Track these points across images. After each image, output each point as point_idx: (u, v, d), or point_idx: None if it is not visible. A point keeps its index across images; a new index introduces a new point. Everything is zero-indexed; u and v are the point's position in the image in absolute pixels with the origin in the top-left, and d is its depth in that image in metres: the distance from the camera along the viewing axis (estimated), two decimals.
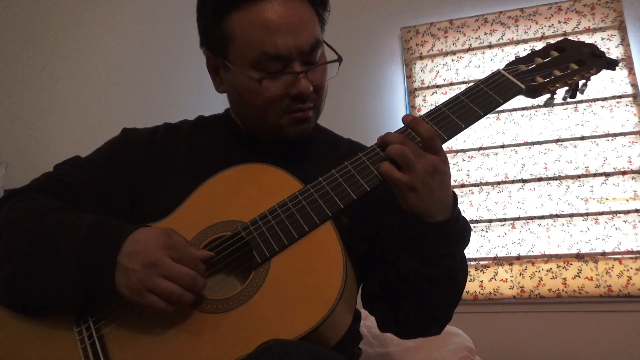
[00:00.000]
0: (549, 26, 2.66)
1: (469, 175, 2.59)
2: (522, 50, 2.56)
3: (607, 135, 2.44)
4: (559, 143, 2.50)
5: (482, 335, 2.09)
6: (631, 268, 2.28)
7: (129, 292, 0.65)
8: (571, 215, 2.40)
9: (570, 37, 0.94)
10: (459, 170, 2.61)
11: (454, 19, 2.79)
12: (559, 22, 2.65)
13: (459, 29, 2.79)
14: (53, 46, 1.66)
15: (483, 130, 2.62)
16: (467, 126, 0.77)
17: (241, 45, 0.80)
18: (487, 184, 2.55)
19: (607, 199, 2.39)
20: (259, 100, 0.82)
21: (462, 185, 2.58)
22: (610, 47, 2.52)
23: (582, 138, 2.48)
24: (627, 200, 2.36)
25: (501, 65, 0.87)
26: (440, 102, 0.80)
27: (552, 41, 0.91)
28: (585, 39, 2.51)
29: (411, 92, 2.78)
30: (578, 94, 0.87)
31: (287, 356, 0.55)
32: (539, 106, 2.55)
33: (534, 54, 0.88)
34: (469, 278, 2.42)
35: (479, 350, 1.60)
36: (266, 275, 0.69)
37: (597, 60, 0.85)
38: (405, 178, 0.70)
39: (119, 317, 0.69)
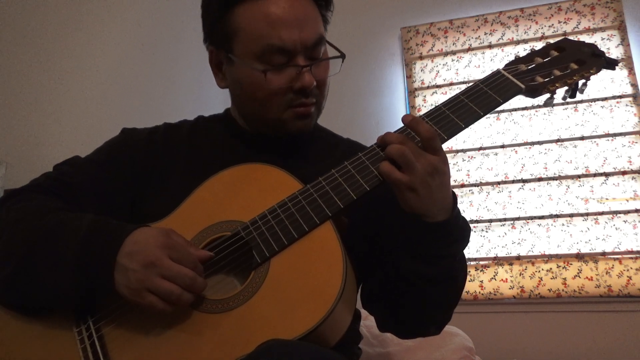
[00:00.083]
0: (549, 26, 2.66)
1: (469, 175, 2.59)
2: (522, 50, 2.56)
3: (607, 135, 2.44)
4: (559, 143, 2.50)
5: (482, 335, 2.09)
6: (631, 268, 2.28)
7: (128, 292, 0.65)
8: (571, 215, 2.40)
9: (570, 37, 0.94)
10: (459, 170, 2.61)
11: (454, 19, 2.79)
12: (559, 22, 2.65)
13: (459, 29, 2.79)
14: (53, 46, 1.66)
15: (483, 130, 2.62)
16: (467, 126, 0.77)
17: (246, 38, 0.81)
18: (487, 184, 2.55)
19: (607, 199, 2.39)
20: (262, 93, 0.82)
21: (462, 185, 2.58)
22: (610, 47, 2.52)
23: (582, 138, 2.48)
24: (627, 200, 2.36)
25: (501, 65, 0.87)
26: (440, 102, 0.80)
27: (552, 41, 0.91)
28: (585, 39, 2.51)
29: (411, 92, 2.78)
30: (578, 93, 0.87)
31: (287, 356, 0.55)
32: (539, 106, 2.55)
33: (533, 53, 0.88)
34: (469, 278, 2.42)
35: (479, 350, 1.60)
36: (266, 275, 0.69)
37: (597, 60, 0.85)
38: (405, 178, 0.70)
39: (119, 317, 0.69)
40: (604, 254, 2.32)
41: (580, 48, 0.87)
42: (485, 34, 2.74)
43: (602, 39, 2.55)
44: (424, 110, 2.68)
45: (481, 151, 2.60)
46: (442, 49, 2.79)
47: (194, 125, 0.99)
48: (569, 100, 0.88)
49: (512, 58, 0.88)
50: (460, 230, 0.75)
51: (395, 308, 0.82)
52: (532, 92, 0.83)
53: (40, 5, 1.63)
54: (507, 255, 2.44)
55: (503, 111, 2.60)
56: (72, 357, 0.67)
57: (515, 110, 2.59)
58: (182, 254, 0.66)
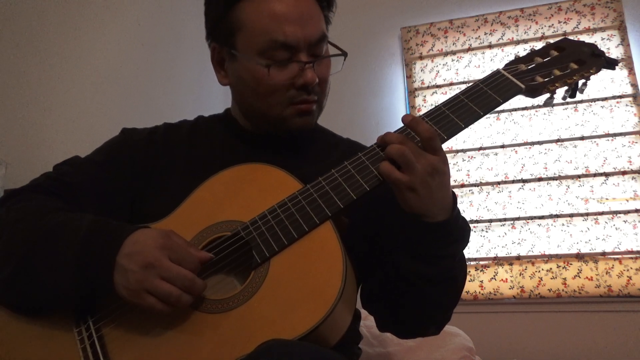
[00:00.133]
0: (549, 26, 2.66)
1: (469, 175, 2.59)
2: (522, 50, 2.56)
3: (607, 135, 2.44)
4: (559, 143, 2.50)
5: (482, 335, 2.09)
6: (631, 268, 2.28)
7: (127, 293, 0.65)
8: (571, 215, 2.40)
9: (570, 37, 0.94)
10: (459, 170, 2.61)
11: (454, 19, 2.79)
12: (559, 22, 2.65)
13: (459, 29, 2.79)
14: (53, 46, 1.66)
15: (483, 130, 2.62)
16: (466, 126, 0.77)
17: (250, 34, 0.82)
18: (487, 184, 2.55)
19: (607, 199, 2.39)
20: (264, 89, 0.83)
21: (462, 185, 2.58)
22: (610, 47, 2.52)
23: (582, 138, 2.48)
24: (627, 200, 2.36)
25: (501, 65, 0.87)
26: (440, 102, 0.80)
27: (552, 41, 0.91)
28: (585, 39, 2.51)
29: (411, 92, 2.78)
30: (578, 93, 0.87)
31: (287, 356, 0.55)
32: (539, 106, 2.55)
33: (533, 53, 0.88)
34: (468, 278, 2.42)
35: (479, 350, 1.60)
36: (266, 275, 0.69)
37: (596, 60, 0.85)
38: (404, 178, 0.70)
39: (119, 318, 0.69)
40: (604, 254, 2.32)
41: (580, 48, 0.87)
42: (485, 34, 2.74)
43: (602, 39, 2.55)
44: (424, 110, 2.67)
45: (481, 151, 2.60)
46: (442, 49, 2.79)
47: (194, 125, 0.99)
48: (569, 100, 0.88)
49: (512, 58, 0.88)
50: (460, 230, 0.75)
51: (395, 308, 0.82)
52: (532, 92, 0.83)
53: (40, 5, 1.63)
54: (507, 255, 2.44)
55: (503, 111, 2.60)
56: (72, 357, 0.67)
57: (515, 110, 2.59)
58: (181, 254, 0.66)
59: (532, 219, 2.44)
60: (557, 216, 2.41)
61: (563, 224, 2.41)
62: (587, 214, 2.38)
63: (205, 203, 0.80)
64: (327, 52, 0.87)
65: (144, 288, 0.64)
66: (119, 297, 0.67)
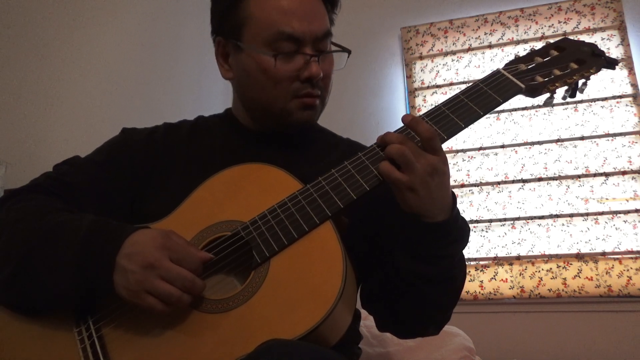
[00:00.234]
0: (549, 26, 2.66)
1: (469, 175, 2.59)
2: (522, 50, 2.56)
3: (607, 135, 2.44)
4: (559, 143, 2.50)
5: (482, 335, 2.09)
6: (631, 268, 2.28)
7: (127, 294, 0.65)
8: (571, 215, 2.40)
9: (570, 37, 0.94)
10: (459, 170, 2.61)
11: (454, 19, 2.79)
12: (559, 22, 2.65)
13: (459, 29, 2.79)
14: (53, 46, 1.66)
15: (483, 130, 2.62)
16: (466, 126, 0.77)
17: (257, 25, 0.83)
18: (487, 184, 2.55)
19: (607, 199, 2.39)
20: (269, 81, 0.83)
21: (462, 185, 2.58)
22: (610, 47, 2.52)
23: (582, 138, 2.48)
24: (627, 200, 2.36)
25: (501, 65, 0.87)
26: (440, 102, 0.80)
27: (552, 41, 0.91)
28: (585, 39, 2.50)
29: (411, 92, 2.78)
30: (578, 93, 0.87)
31: (287, 356, 0.55)
32: (539, 106, 2.55)
33: (533, 53, 0.88)
34: (468, 278, 2.42)
35: (479, 350, 1.60)
36: (266, 275, 0.69)
37: (597, 60, 0.85)
38: (404, 178, 0.69)
39: (119, 318, 0.69)
40: (604, 254, 2.32)
41: (580, 47, 0.87)
42: (485, 34, 2.74)
43: (602, 39, 2.55)
44: (424, 110, 2.66)
45: (481, 151, 2.60)
46: (442, 49, 2.79)
47: (194, 125, 0.99)
48: (568, 100, 0.88)
49: (512, 58, 0.88)
50: (459, 230, 0.75)
51: (394, 308, 0.82)
52: (532, 92, 0.83)
53: (40, 5, 1.63)
54: (507, 255, 2.44)
55: (503, 111, 2.60)
56: (72, 357, 0.67)
57: (515, 110, 2.59)
58: (182, 254, 0.66)
59: (532, 219, 2.44)
60: (557, 216, 2.41)
61: (563, 224, 2.41)
62: (587, 214, 2.38)
63: (205, 203, 0.80)
64: (330, 53, 0.89)
65: (144, 288, 0.64)
66: (119, 297, 0.66)
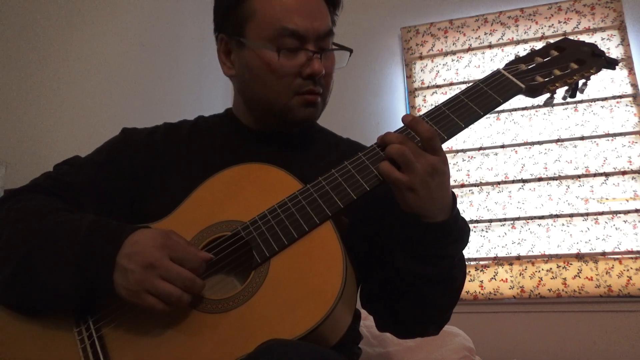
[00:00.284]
0: (549, 26, 2.66)
1: (469, 175, 2.59)
2: (522, 50, 2.56)
3: (607, 135, 2.44)
4: (559, 143, 2.50)
5: (482, 335, 2.09)
6: (631, 268, 2.28)
7: (127, 293, 0.65)
8: (571, 215, 2.40)
9: (570, 37, 0.94)
10: (459, 170, 2.61)
11: (454, 19, 2.79)
12: (559, 22, 2.65)
13: (459, 29, 2.79)
14: (53, 46, 1.66)
15: (483, 130, 2.62)
16: (467, 126, 0.77)
17: (261, 21, 0.84)
18: (487, 184, 2.55)
19: (607, 199, 2.39)
20: (272, 76, 0.84)
21: (462, 185, 2.58)
22: (610, 47, 2.52)
23: (582, 138, 2.48)
24: (627, 200, 2.36)
25: (501, 65, 0.87)
26: (440, 102, 0.80)
27: (552, 41, 0.91)
28: (585, 39, 2.51)
29: (411, 92, 2.78)
30: (578, 93, 0.87)
31: (287, 356, 0.55)
32: (539, 106, 2.55)
33: (533, 53, 0.88)
34: (468, 278, 2.42)
35: (479, 350, 1.60)
36: (266, 275, 0.69)
37: (597, 60, 0.85)
38: (404, 178, 0.69)
39: (119, 317, 0.69)
40: (604, 254, 2.32)
41: (580, 48, 0.87)
42: (485, 34, 2.74)
43: (602, 39, 2.55)
44: (424, 110, 2.67)
45: (481, 151, 2.60)
46: (442, 49, 2.79)
47: (194, 125, 0.99)
48: (569, 100, 0.88)
49: (512, 58, 0.88)
50: (459, 230, 0.75)
51: (394, 308, 0.82)
52: (532, 92, 0.83)
53: (40, 5, 1.63)
54: (507, 255, 2.44)
55: (503, 111, 2.60)
56: (72, 357, 0.67)
57: (515, 110, 2.59)
58: (182, 253, 0.66)
59: (532, 219, 2.44)
60: (557, 216, 2.41)
61: (563, 224, 2.41)
62: (587, 214, 2.38)
63: (205, 203, 0.80)
64: (332, 52, 0.89)
65: (144, 288, 0.64)
66: (119, 297, 0.66)
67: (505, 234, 2.48)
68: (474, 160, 2.61)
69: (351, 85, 2.82)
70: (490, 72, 0.84)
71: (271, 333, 0.62)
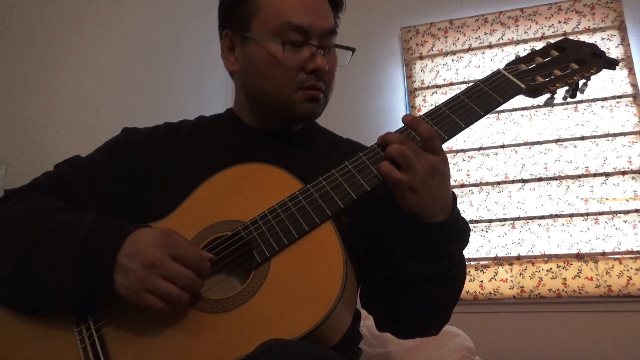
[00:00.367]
0: (549, 26, 2.66)
1: (469, 175, 2.59)
2: (522, 50, 2.55)
3: (607, 135, 2.44)
4: (559, 143, 2.50)
5: (482, 335, 2.09)
6: (631, 268, 2.28)
7: (127, 292, 0.65)
8: (571, 215, 2.40)
9: (570, 37, 0.94)
10: (459, 170, 2.61)
11: (454, 19, 2.79)
12: (559, 22, 2.65)
13: (459, 29, 2.79)
14: (53, 46, 1.66)
15: (483, 130, 2.62)
16: (467, 126, 0.77)
17: (266, 16, 0.86)
18: (487, 184, 2.55)
19: (607, 199, 2.39)
20: (276, 69, 0.85)
21: (462, 185, 2.58)
22: (610, 47, 2.52)
23: (582, 138, 2.48)
24: (627, 200, 2.36)
25: (501, 65, 0.87)
26: (440, 102, 0.80)
27: (552, 41, 0.91)
28: (585, 39, 2.51)
29: (411, 92, 2.78)
30: (578, 93, 0.87)
31: (287, 356, 0.55)
32: (539, 106, 2.55)
33: (534, 53, 0.88)
34: (468, 278, 2.42)
35: (479, 350, 1.60)
36: (266, 275, 0.69)
37: (597, 60, 0.85)
38: (404, 178, 0.69)
39: (119, 317, 0.69)
40: (604, 254, 2.32)
41: (580, 48, 0.87)
42: (485, 34, 2.74)
43: (602, 39, 2.55)
44: (424, 110, 2.68)
45: (481, 151, 2.60)
46: (442, 49, 2.79)
47: (195, 125, 0.99)
48: (569, 100, 0.88)
49: (512, 58, 0.88)
50: (459, 230, 0.75)
51: (394, 308, 0.82)
52: (533, 92, 0.83)
53: (41, 5, 1.62)
54: (507, 255, 2.44)
55: (503, 111, 2.60)
56: (72, 357, 0.67)
57: (515, 110, 2.59)
58: (183, 252, 0.66)
59: (532, 219, 2.44)
60: (557, 216, 2.41)
61: (563, 224, 2.41)
62: (587, 214, 2.38)
63: (206, 203, 0.80)
64: (334, 51, 0.91)
65: (144, 287, 0.64)
66: (118, 297, 0.66)
67: (505, 234, 2.47)
68: (474, 160, 2.61)
69: (351, 85, 2.82)
70: (490, 72, 0.84)
71: (271, 333, 0.62)
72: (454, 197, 0.75)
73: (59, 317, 0.70)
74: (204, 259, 0.67)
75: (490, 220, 2.50)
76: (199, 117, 1.02)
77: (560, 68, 0.84)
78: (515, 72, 0.83)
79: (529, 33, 2.68)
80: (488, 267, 2.46)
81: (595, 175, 2.42)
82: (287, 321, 0.64)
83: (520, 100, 2.49)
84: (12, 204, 0.78)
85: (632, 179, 2.38)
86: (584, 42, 0.88)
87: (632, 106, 2.45)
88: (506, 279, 2.42)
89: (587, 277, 2.32)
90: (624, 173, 2.38)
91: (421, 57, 2.81)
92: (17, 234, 0.73)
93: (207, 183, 0.82)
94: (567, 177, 2.45)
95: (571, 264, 2.35)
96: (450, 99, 0.80)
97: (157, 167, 0.89)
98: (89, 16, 1.85)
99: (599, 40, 2.55)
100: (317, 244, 0.70)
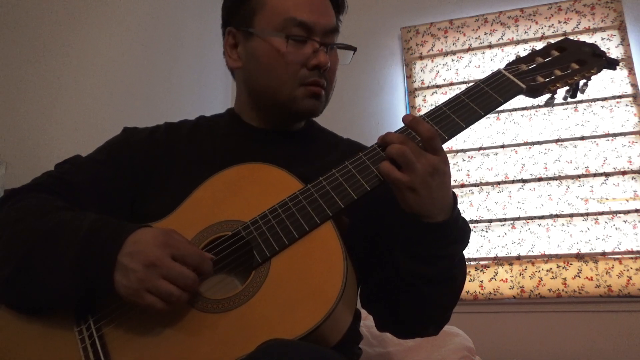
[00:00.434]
0: (549, 26, 2.66)
1: (469, 175, 2.59)
2: (522, 50, 2.55)
3: (607, 135, 2.44)
4: (559, 143, 2.50)
5: (482, 335, 2.09)
6: (631, 268, 2.28)
7: (127, 292, 0.65)
8: (571, 215, 2.40)
9: (570, 37, 0.94)
10: (459, 170, 2.61)
11: (454, 19, 2.79)
12: (559, 22, 2.65)
13: (459, 29, 2.79)
14: (53, 46, 1.66)
15: (483, 130, 2.62)
16: (467, 126, 0.77)
17: (270, 12, 0.87)
18: (487, 184, 2.55)
19: (607, 199, 2.39)
20: (279, 63, 0.86)
21: (462, 185, 2.58)
22: (610, 47, 2.52)
23: (582, 138, 2.47)
24: (627, 200, 2.36)
25: (501, 65, 0.87)
26: (440, 102, 0.80)
27: (552, 41, 0.91)
28: (585, 39, 2.50)
29: (411, 92, 2.78)
30: (579, 93, 0.87)
31: (287, 356, 0.55)
32: (539, 106, 2.55)
33: (534, 53, 0.88)
34: (468, 278, 2.42)
35: (479, 350, 1.60)
36: (266, 275, 0.69)
37: (597, 60, 0.85)
38: (405, 178, 0.69)
39: (120, 317, 0.69)
40: (604, 254, 2.32)
41: (581, 48, 0.87)
42: (485, 34, 2.74)
43: (602, 39, 2.55)
44: (424, 110, 2.67)
45: (481, 151, 2.60)
46: (442, 49, 2.79)
47: (195, 125, 0.99)
48: (569, 100, 0.88)
49: (512, 58, 0.88)
50: (460, 231, 0.75)
51: (394, 308, 0.82)
52: (533, 92, 0.83)
53: (40, 5, 1.62)
54: (507, 255, 2.44)
55: (503, 111, 2.60)
56: (72, 356, 0.67)
57: (515, 110, 2.59)
58: (184, 252, 0.66)
59: (532, 219, 2.44)
60: (557, 216, 2.41)
61: (563, 224, 2.41)
62: (587, 214, 2.38)
63: (206, 203, 0.80)
64: (336, 50, 0.92)
65: (145, 287, 0.64)
66: (118, 297, 0.66)
67: (505, 234, 2.47)
68: (474, 160, 2.61)
69: (351, 85, 2.82)
70: (490, 72, 0.84)
71: (271, 333, 0.62)
72: (455, 197, 0.75)
73: (59, 317, 0.70)
74: (205, 259, 0.67)
75: (490, 220, 2.50)
76: (200, 117, 1.02)
77: (561, 68, 0.84)
78: (516, 72, 0.83)
79: (529, 33, 2.68)
80: (488, 267, 2.46)
81: (595, 175, 2.42)
82: (288, 321, 0.64)
83: (520, 100, 2.49)
84: (12, 204, 0.78)
85: (632, 179, 2.38)
86: (584, 42, 0.88)
87: (632, 106, 2.45)
88: (506, 279, 2.42)
89: (587, 277, 2.32)
90: (624, 173, 2.38)
91: (421, 57, 2.81)
92: (18, 234, 0.73)
93: (207, 183, 0.82)
94: (567, 177, 2.45)
95: (571, 264, 2.35)
96: (450, 99, 0.80)
97: (157, 167, 0.89)
98: (89, 16, 1.85)
99: (599, 40, 2.55)
100: (317, 244, 0.70)
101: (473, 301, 2.43)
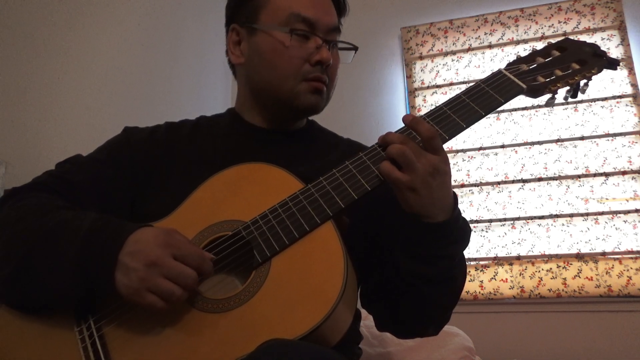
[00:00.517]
0: (549, 26, 2.66)
1: (469, 175, 2.59)
2: (522, 50, 2.56)
3: (607, 135, 2.44)
4: (559, 143, 2.50)
5: (482, 335, 2.09)
6: (631, 268, 2.28)
7: (127, 291, 0.65)
8: (571, 215, 2.40)
9: (571, 37, 0.94)
10: (459, 170, 2.61)
11: (454, 19, 2.79)
12: (559, 22, 2.65)
13: (459, 29, 2.78)
14: (53, 46, 1.66)
15: (483, 130, 2.62)
16: (468, 126, 0.77)
17: (274, 9, 0.89)
18: (487, 184, 2.55)
19: (607, 199, 2.39)
20: (282, 58, 0.87)
21: (462, 185, 2.58)
22: (610, 47, 2.52)
23: (582, 138, 2.47)
24: (627, 200, 2.36)
25: (501, 65, 0.87)
26: (440, 102, 0.80)
27: (552, 41, 0.91)
28: (585, 39, 2.50)
29: (411, 92, 2.78)
30: (579, 93, 0.87)
31: (288, 356, 0.55)
32: (539, 106, 2.55)
33: (535, 53, 0.88)
34: (468, 278, 2.42)
35: (479, 350, 1.60)
36: (267, 275, 0.69)
37: (598, 60, 0.85)
38: (405, 178, 0.69)
39: (120, 317, 0.69)
40: (604, 254, 2.32)
41: (581, 48, 0.87)
42: (485, 34, 2.74)
43: (602, 39, 2.55)
44: (424, 111, 2.67)
45: (481, 151, 2.60)
46: (442, 49, 2.79)
47: (196, 125, 0.99)
48: (569, 100, 0.88)
49: (512, 58, 0.88)
50: (460, 231, 0.75)
51: (394, 308, 0.82)
52: (534, 92, 0.83)
53: (40, 5, 1.62)
54: (507, 255, 2.44)
55: (503, 111, 2.60)
56: (72, 356, 0.67)
57: (515, 110, 2.59)
58: (185, 251, 0.66)
59: (532, 219, 2.44)
60: (557, 216, 2.41)
61: (563, 224, 2.41)
62: (587, 214, 2.38)
63: (206, 203, 0.80)
64: (337, 50, 0.94)
65: (145, 287, 0.64)
66: (119, 296, 0.66)
67: (505, 234, 2.47)
68: (474, 160, 2.61)
69: (351, 85, 2.82)
70: (491, 72, 0.84)
71: (272, 333, 0.62)
72: (455, 197, 0.75)
73: (59, 317, 0.70)
74: (206, 259, 0.67)
75: (490, 220, 2.50)
76: (200, 117, 1.02)
77: (562, 68, 0.84)
78: (516, 72, 0.83)
79: (529, 33, 2.68)
80: (488, 267, 2.46)
81: (595, 175, 2.42)
82: (288, 321, 0.64)
83: (520, 100, 2.49)
84: (13, 203, 0.78)
85: (632, 179, 2.38)
86: (585, 42, 0.88)
87: (632, 106, 2.45)
88: (506, 279, 2.42)
89: (587, 277, 2.32)
90: (624, 173, 2.38)
91: (421, 57, 2.81)
92: (18, 233, 0.72)
93: (207, 183, 0.82)
94: (567, 177, 2.45)
95: (571, 264, 2.35)
96: (451, 99, 0.80)
97: (157, 166, 0.89)
98: (89, 16, 1.85)
99: (599, 40, 2.55)
100: (317, 244, 0.70)
101: (473, 301, 2.43)
